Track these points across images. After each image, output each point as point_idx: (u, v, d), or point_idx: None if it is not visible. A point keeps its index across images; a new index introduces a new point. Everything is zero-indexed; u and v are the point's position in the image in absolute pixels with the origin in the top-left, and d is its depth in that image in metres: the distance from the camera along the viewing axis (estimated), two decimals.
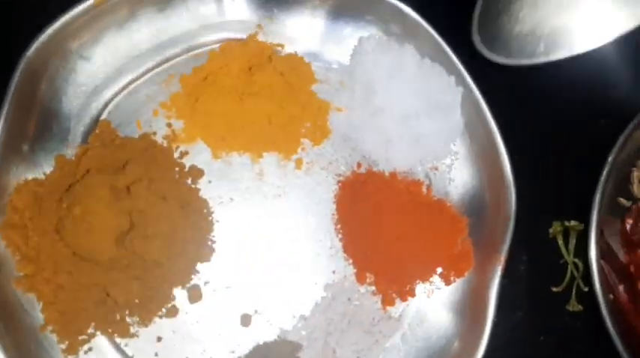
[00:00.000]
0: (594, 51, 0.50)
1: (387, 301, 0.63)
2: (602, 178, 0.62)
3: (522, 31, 0.47)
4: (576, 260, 0.67)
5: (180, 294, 0.61)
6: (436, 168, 0.66)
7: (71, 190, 0.56)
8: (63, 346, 0.57)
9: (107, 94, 0.63)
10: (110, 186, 0.56)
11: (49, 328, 0.57)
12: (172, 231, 0.58)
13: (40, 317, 0.57)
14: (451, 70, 0.64)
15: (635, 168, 0.68)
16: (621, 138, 0.63)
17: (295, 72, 0.64)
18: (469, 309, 0.62)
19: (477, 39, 0.48)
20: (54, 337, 0.57)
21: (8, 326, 0.55)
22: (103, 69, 0.63)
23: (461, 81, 0.64)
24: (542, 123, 0.70)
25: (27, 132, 0.60)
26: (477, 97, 0.63)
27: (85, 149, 0.60)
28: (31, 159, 0.60)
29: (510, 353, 0.66)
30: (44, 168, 0.60)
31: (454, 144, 0.66)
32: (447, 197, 0.66)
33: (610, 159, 0.63)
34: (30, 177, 0.59)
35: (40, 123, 0.60)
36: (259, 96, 0.62)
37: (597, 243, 0.62)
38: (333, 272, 0.63)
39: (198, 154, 0.64)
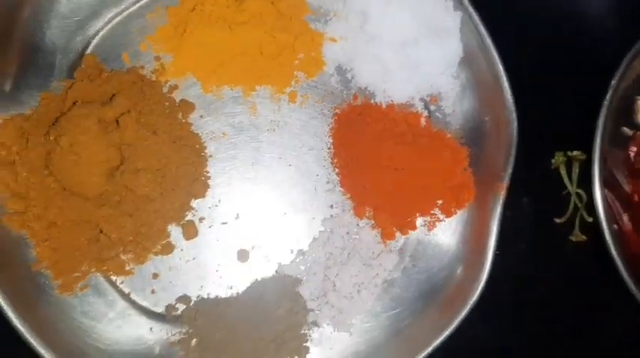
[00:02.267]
0: None
1: (387, 234, 0.62)
2: (605, 104, 0.60)
3: None
4: (579, 190, 0.66)
5: (175, 231, 0.59)
6: (435, 99, 0.64)
7: (58, 123, 0.54)
8: (58, 283, 0.56)
9: (92, 28, 0.61)
10: (98, 118, 0.54)
11: (43, 265, 0.56)
12: (164, 165, 0.57)
13: (33, 254, 0.56)
14: None
15: (638, 97, 0.66)
16: (623, 64, 0.61)
17: (286, 0, 0.61)
18: (471, 240, 0.61)
19: None
20: (48, 275, 0.56)
21: (2, 264, 0.54)
22: (87, 1, 0.61)
23: (459, 4, 0.61)
24: (544, 50, 0.68)
25: (10, 69, 0.58)
26: (476, 22, 0.61)
27: (71, 84, 0.58)
28: (16, 97, 0.58)
29: (513, 285, 0.65)
30: (30, 105, 0.59)
31: (453, 73, 0.64)
32: (447, 128, 0.64)
33: (612, 83, 0.61)
34: (15, 113, 0.57)
35: (23, 59, 0.59)
36: (249, 24, 0.60)
37: (601, 171, 0.61)
38: (331, 206, 0.62)
39: (189, 88, 0.62)
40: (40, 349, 0.52)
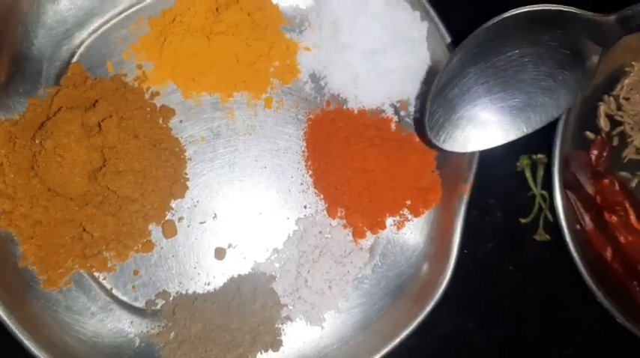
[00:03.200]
0: None
1: (358, 234, 0.65)
2: (565, 113, 0.63)
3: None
4: (543, 192, 0.69)
5: (155, 230, 0.62)
6: (404, 104, 0.67)
7: (43, 127, 0.57)
8: (43, 279, 0.59)
9: (78, 38, 0.65)
10: (81, 122, 0.57)
11: (29, 262, 0.59)
12: (144, 167, 0.60)
13: (20, 252, 0.59)
14: (415, 5, 0.65)
15: (601, 103, 0.69)
16: None
17: (262, 12, 0.65)
18: (437, 239, 0.64)
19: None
20: (34, 271, 0.59)
21: None
22: (73, 12, 0.64)
23: (425, 15, 0.65)
24: None
25: None
26: (442, 32, 0.65)
27: (57, 90, 0.61)
28: (4, 102, 0.61)
29: (480, 283, 0.68)
30: (18, 111, 0.62)
31: (421, 79, 0.67)
32: (415, 132, 0.67)
33: None
34: (3, 119, 0.61)
35: (11, 67, 0.62)
36: (226, 34, 0.63)
37: (561, 173, 0.64)
38: (305, 207, 0.65)
39: (169, 95, 0.65)
40: (26, 341, 0.55)
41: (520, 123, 0.60)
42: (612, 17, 0.57)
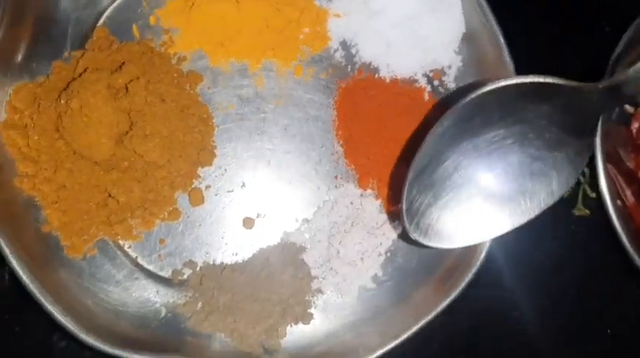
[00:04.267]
0: None
1: (390, 205, 0.63)
2: None
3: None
4: None
5: (182, 198, 0.61)
6: (438, 74, 0.65)
7: (69, 87, 0.56)
8: (67, 245, 0.57)
9: (104, 1, 0.63)
10: (108, 83, 0.55)
11: (53, 227, 0.57)
12: (171, 132, 0.58)
13: (43, 216, 0.57)
14: None
15: None
16: (621, 44, 0.61)
17: None
18: None
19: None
20: (58, 237, 0.57)
21: (13, 226, 0.55)
22: None
23: None
24: (548, 24, 0.69)
25: (23, 41, 0.60)
26: None
27: (82, 54, 0.60)
28: (28, 65, 0.60)
29: (517, 257, 0.66)
30: (42, 74, 0.60)
31: (456, 48, 0.65)
32: (449, 102, 0.65)
33: (613, 57, 0.61)
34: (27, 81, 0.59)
35: (36, 29, 0.60)
36: None
37: (603, 147, 0.61)
38: (336, 177, 0.63)
39: (197, 61, 0.63)
40: (49, 306, 0.53)
41: (510, 214, 0.53)
42: (600, 85, 0.51)
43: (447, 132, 0.52)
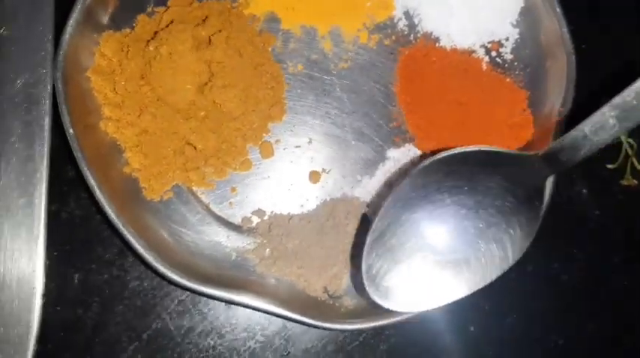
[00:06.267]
0: None
1: None
2: None
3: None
4: (630, 139, 0.69)
5: (253, 151, 0.63)
6: (496, 46, 0.68)
7: (157, 36, 0.59)
8: (145, 187, 0.60)
9: None
10: (192, 34, 0.58)
11: (133, 169, 0.60)
12: (247, 86, 0.61)
13: (124, 159, 0.60)
14: None
15: None
16: None
17: None
18: None
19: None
20: (137, 179, 0.60)
21: (100, 165, 0.57)
22: None
23: None
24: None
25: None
26: None
27: (166, 9, 0.63)
28: (114, 19, 0.62)
29: (566, 226, 0.68)
30: (128, 26, 0.63)
31: (513, 21, 0.68)
32: (507, 73, 0.68)
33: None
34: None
35: None
36: None
37: None
38: (397, 138, 0.66)
39: (270, 22, 0.66)
40: (132, 239, 0.56)
41: (467, 280, 0.54)
42: (540, 153, 0.52)
43: (404, 197, 0.53)
